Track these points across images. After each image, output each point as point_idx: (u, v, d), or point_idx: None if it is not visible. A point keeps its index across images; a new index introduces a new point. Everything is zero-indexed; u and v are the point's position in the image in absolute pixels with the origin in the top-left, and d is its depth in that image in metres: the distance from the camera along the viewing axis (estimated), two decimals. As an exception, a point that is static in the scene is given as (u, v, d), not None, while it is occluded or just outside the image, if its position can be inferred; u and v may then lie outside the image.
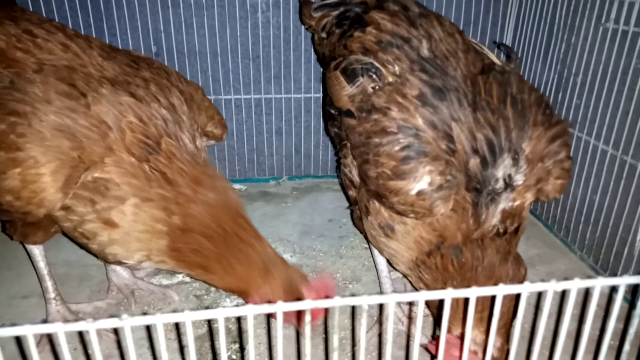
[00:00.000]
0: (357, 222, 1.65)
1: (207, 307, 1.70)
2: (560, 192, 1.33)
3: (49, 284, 1.63)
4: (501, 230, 1.28)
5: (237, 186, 2.61)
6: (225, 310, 0.74)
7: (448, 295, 0.78)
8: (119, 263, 1.44)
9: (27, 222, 1.38)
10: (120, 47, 1.85)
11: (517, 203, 1.28)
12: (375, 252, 1.69)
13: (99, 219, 1.31)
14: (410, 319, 1.63)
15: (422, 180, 1.24)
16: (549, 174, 1.29)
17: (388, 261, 1.59)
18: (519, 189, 1.27)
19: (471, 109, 1.27)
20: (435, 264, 1.31)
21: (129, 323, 0.72)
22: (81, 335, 1.54)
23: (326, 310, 1.41)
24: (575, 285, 0.79)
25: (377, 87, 1.38)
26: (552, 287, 0.80)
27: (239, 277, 1.38)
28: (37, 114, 1.24)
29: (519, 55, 2.40)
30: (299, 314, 1.33)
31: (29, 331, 0.73)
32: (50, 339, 1.51)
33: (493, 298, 0.80)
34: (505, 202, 1.26)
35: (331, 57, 1.64)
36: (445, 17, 1.60)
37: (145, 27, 2.25)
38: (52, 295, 1.64)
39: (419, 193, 1.25)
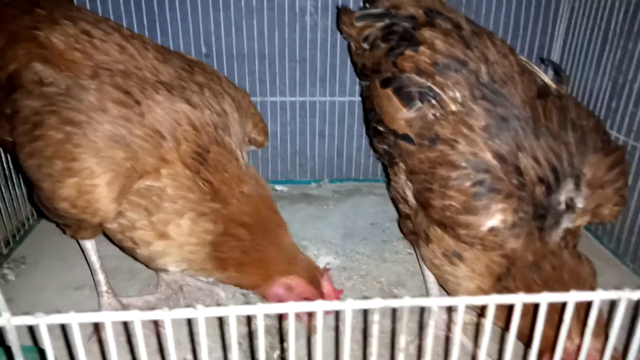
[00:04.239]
0: (406, 230, 1.64)
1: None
2: (616, 217, 1.37)
3: (101, 277, 1.68)
4: (562, 246, 1.30)
5: (278, 187, 2.64)
6: (296, 305, 0.75)
7: (519, 300, 0.77)
8: (161, 270, 1.49)
9: (81, 226, 1.43)
10: (172, 48, 1.91)
11: (577, 223, 1.31)
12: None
13: (153, 230, 1.35)
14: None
15: (494, 217, 1.24)
16: (608, 200, 1.32)
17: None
18: (579, 211, 1.29)
19: (534, 136, 1.28)
20: (516, 287, 1.27)
21: (203, 314, 0.75)
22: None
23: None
24: (651, 295, 0.77)
25: (438, 115, 1.36)
26: (625, 296, 0.78)
27: (270, 264, 1.46)
28: (92, 124, 1.27)
29: (569, 61, 2.35)
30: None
31: (107, 318, 0.76)
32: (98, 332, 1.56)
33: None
34: (567, 222, 1.29)
35: (374, 70, 1.62)
36: (495, 35, 1.57)
37: (197, 29, 2.30)
38: (104, 288, 1.68)
39: (491, 229, 1.25)
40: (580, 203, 1.29)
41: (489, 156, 1.27)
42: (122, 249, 1.52)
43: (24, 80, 1.36)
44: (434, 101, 1.38)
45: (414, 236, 1.61)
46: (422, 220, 1.46)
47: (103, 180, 1.25)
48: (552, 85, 1.47)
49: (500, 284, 1.31)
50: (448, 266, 1.41)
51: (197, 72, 1.53)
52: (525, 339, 1.24)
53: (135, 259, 1.54)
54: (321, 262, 1.99)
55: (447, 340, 1.58)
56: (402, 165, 1.51)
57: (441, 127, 1.34)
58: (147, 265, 1.57)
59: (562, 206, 1.27)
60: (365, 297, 1.64)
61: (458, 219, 1.28)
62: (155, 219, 1.34)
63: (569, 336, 1.23)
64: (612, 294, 0.78)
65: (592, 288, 1.23)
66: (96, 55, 1.40)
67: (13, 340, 0.74)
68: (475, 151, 1.28)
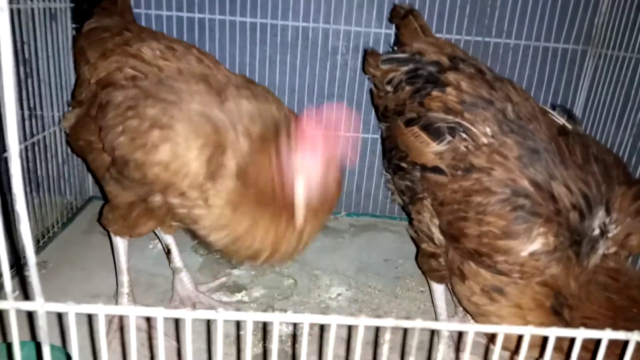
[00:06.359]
0: (427, 268, 1.64)
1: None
2: None
3: (125, 278, 1.74)
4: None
5: (296, 217, 2.68)
6: (310, 316, 0.78)
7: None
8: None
9: (154, 206, 1.49)
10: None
11: (611, 251, 1.31)
12: (436, 294, 1.69)
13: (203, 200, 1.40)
14: None
15: (536, 241, 1.25)
16: (636, 230, 1.31)
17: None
18: (612, 238, 1.30)
19: (563, 166, 1.32)
20: (582, 318, 1.22)
21: (222, 317, 0.78)
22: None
23: None
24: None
25: (470, 147, 1.41)
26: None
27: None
28: (185, 103, 1.42)
29: (592, 116, 2.39)
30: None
31: (132, 312, 0.80)
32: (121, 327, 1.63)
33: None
34: (603, 248, 1.29)
35: (396, 112, 1.68)
36: (515, 82, 1.64)
37: (233, 60, 2.42)
38: (126, 290, 1.74)
39: (532, 254, 1.25)
40: (613, 229, 1.29)
41: (526, 183, 1.29)
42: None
43: (116, 79, 1.56)
44: (464, 135, 1.43)
45: (435, 273, 1.61)
46: (455, 257, 1.46)
47: (196, 144, 1.35)
48: (569, 126, 1.54)
49: (558, 318, 1.27)
50: (489, 305, 1.38)
51: (256, 85, 1.68)
52: None
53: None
54: (333, 293, 2.01)
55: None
56: (426, 202, 1.54)
57: (475, 157, 1.38)
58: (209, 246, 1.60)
59: (597, 232, 1.28)
60: (375, 332, 1.66)
61: (497, 245, 1.28)
62: (205, 188, 1.39)
63: None
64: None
65: None
66: (179, 64, 1.59)
67: (43, 325, 0.79)
68: (513, 177, 1.31)
